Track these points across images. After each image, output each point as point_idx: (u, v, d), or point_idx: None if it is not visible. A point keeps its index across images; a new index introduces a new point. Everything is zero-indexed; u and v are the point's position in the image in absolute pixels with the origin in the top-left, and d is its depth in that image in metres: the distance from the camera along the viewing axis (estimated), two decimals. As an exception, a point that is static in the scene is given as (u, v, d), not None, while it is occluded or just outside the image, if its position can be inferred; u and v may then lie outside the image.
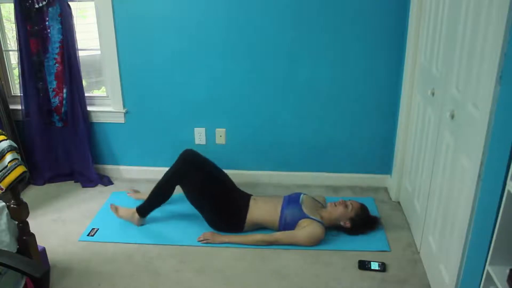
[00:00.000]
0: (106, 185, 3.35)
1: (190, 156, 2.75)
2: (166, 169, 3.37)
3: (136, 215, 2.74)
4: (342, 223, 2.64)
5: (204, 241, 2.61)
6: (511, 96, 1.45)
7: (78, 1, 3.10)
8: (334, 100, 3.08)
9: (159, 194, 2.75)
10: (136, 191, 3.16)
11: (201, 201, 2.71)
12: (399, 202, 3.06)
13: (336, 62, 2.98)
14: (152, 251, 2.56)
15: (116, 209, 2.83)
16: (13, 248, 1.98)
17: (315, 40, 2.94)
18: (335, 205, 2.66)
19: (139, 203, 2.80)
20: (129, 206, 3.03)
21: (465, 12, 1.88)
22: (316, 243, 2.55)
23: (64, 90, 3.18)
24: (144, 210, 2.75)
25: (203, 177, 2.70)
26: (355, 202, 2.68)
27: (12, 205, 2.02)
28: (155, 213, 2.93)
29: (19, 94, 3.20)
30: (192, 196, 2.72)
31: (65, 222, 2.88)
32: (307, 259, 2.47)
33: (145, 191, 3.15)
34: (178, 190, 3.26)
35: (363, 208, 2.67)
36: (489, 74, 1.58)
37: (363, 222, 2.64)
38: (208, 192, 2.68)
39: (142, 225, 2.78)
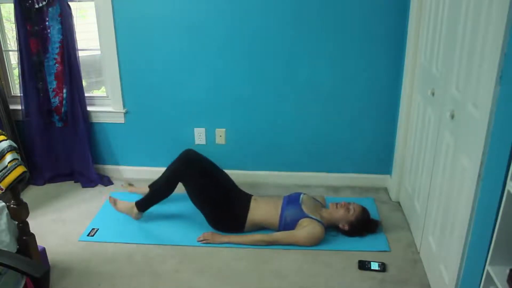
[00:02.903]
0: (106, 185, 3.35)
1: (190, 157, 2.74)
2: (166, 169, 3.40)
3: (135, 210, 2.76)
4: (340, 225, 2.63)
5: (204, 241, 2.61)
6: (511, 96, 1.45)
7: (78, 1, 3.10)
8: (334, 100, 3.08)
9: (159, 192, 2.76)
10: (131, 185, 3.19)
11: (202, 201, 2.71)
12: (399, 202, 3.06)
13: (336, 62, 2.98)
14: (152, 251, 2.56)
15: (114, 202, 2.85)
16: (13, 248, 1.98)
17: (315, 40, 2.94)
18: (337, 207, 2.65)
19: (138, 197, 2.81)
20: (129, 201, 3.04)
21: (465, 12, 1.88)
22: (316, 243, 2.55)
23: (64, 90, 3.18)
24: (143, 205, 2.77)
25: (203, 178, 2.70)
26: (357, 206, 2.66)
27: (12, 205, 2.02)
28: (155, 213, 2.94)
29: (19, 94, 3.20)
30: (193, 196, 2.73)
31: (65, 222, 2.88)
32: (307, 259, 2.47)
33: (141, 185, 3.16)
34: (178, 190, 3.27)
35: (364, 214, 2.65)
36: (489, 74, 1.58)
37: (361, 227, 2.63)
38: (208, 193, 2.68)
39: (139, 218, 2.81)
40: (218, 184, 2.73)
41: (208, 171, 2.75)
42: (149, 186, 2.84)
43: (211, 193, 2.68)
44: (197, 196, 2.71)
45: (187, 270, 2.40)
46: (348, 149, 3.21)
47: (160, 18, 3.00)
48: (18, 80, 3.19)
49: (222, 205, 2.67)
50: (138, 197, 3.14)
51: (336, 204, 2.67)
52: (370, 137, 3.16)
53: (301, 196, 2.75)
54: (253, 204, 2.69)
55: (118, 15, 3.02)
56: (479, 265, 1.60)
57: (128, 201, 2.82)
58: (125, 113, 3.28)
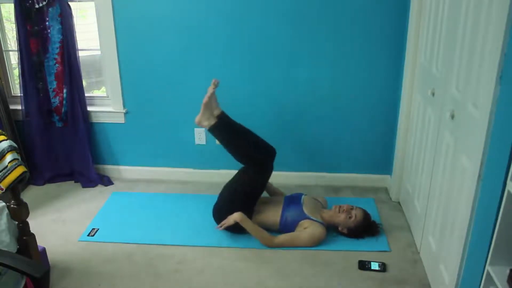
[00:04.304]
0: (106, 185, 3.35)
1: (272, 161, 2.71)
2: (166, 169, 3.41)
3: (212, 122, 2.66)
4: (340, 228, 2.63)
5: (223, 227, 2.58)
6: (511, 96, 1.45)
7: (78, 1, 3.10)
8: (334, 100, 3.08)
9: (240, 142, 2.67)
10: (215, 85, 2.69)
11: (244, 191, 2.65)
12: (399, 202, 3.06)
13: (336, 62, 2.98)
14: (152, 251, 2.56)
15: (210, 97, 2.64)
16: (13, 248, 1.98)
17: (315, 40, 2.94)
18: (339, 211, 2.62)
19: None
20: (130, 205, 3.05)
21: (465, 12, 1.88)
22: (317, 243, 2.55)
23: (64, 90, 3.18)
24: (219, 129, 2.67)
25: (263, 182, 2.70)
26: (360, 213, 2.62)
27: (12, 205, 2.02)
28: (156, 212, 2.94)
29: (19, 94, 3.21)
30: (242, 184, 2.67)
31: (65, 222, 2.88)
32: (307, 259, 2.47)
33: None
34: (178, 190, 3.27)
35: (364, 220, 2.62)
36: (489, 74, 1.58)
37: (361, 233, 2.62)
38: (255, 189, 2.67)
39: (199, 122, 2.69)
40: (262, 192, 2.73)
41: (267, 179, 2.75)
42: (223, 118, 2.69)
43: (256, 190, 2.67)
44: (244, 188, 2.65)
45: (187, 270, 2.40)
46: (348, 149, 3.21)
47: (160, 18, 3.00)
48: (18, 80, 3.19)
49: (246, 209, 2.63)
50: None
51: (339, 207, 2.64)
52: (370, 137, 3.16)
53: (302, 197, 2.75)
54: (256, 205, 2.69)
55: (118, 15, 3.02)
56: (479, 265, 1.60)
57: (211, 113, 2.68)
58: (125, 113, 3.28)
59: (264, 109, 3.15)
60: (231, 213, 2.60)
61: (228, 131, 2.71)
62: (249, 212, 2.63)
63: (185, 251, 2.56)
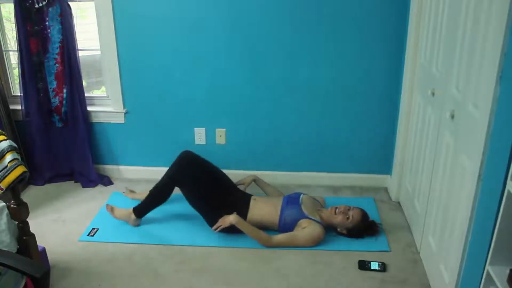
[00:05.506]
0: (106, 185, 3.35)
1: (188, 159, 2.74)
2: (166, 169, 3.40)
3: (133, 216, 2.74)
4: (339, 229, 2.63)
5: (219, 229, 2.57)
6: (511, 96, 1.45)
7: (78, 1, 3.10)
8: (334, 100, 3.08)
9: (157, 196, 2.74)
10: (132, 191, 3.15)
11: (200, 203, 2.70)
12: (399, 202, 3.06)
13: (336, 62, 2.98)
14: (152, 251, 2.56)
15: (112, 209, 2.82)
16: (13, 248, 1.98)
17: (315, 40, 2.94)
18: (335, 213, 2.61)
19: (136, 203, 2.80)
20: (129, 206, 3.03)
21: (465, 12, 1.88)
22: (316, 243, 2.55)
23: (64, 90, 3.18)
24: (141, 211, 2.75)
25: (201, 181, 2.69)
26: (356, 213, 2.61)
27: (12, 205, 2.02)
28: (155, 213, 2.93)
29: (19, 94, 3.21)
30: (191, 199, 2.71)
31: (65, 222, 2.88)
32: (307, 259, 2.47)
33: (141, 191, 3.14)
34: (177, 190, 3.27)
35: (363, 221, 2.61)
36: (489, 74, 1.58)
37: (360, 233, 2.62)
38: (207, 195, 2.67)
39: (138, 225, 2.78)
40: (215, 185, 2.72)
41: (205, 172, 2.73)
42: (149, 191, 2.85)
43: (208, 195, 2.67)
44: (195, 199, 2.70)
45: (187, 270, 2.40)
46: (348, 149, 3.21)
47: (160, 18, 3.00)
48: (18, 80, 3.19)
49: (221, 207, 2.65)
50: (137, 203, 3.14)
51: (335, 209, 2.63)
52: (370, 137, 3.16)
53: (301, 196, 2.75)
54: (252, 203, 2.69)
55: (118, 15, 3.02)
56: (479, 265, 1.60)
57: (125, 208, 2.80)
58: (125, 113, 3.28)
59: (264, 109, 3.15)
60: (213, 221, 2.60)
61: (149, 203, 2.77)
62: (242, 211, 2.63)
63: (185, 251, 2.56)
